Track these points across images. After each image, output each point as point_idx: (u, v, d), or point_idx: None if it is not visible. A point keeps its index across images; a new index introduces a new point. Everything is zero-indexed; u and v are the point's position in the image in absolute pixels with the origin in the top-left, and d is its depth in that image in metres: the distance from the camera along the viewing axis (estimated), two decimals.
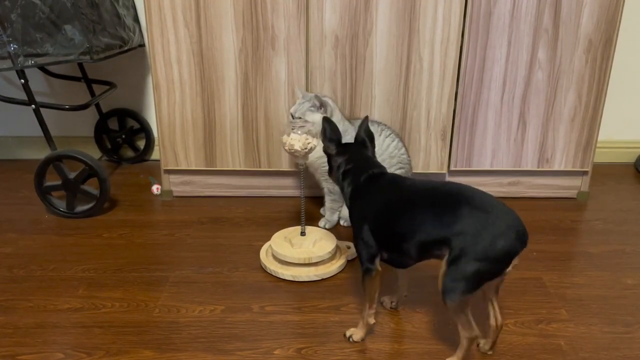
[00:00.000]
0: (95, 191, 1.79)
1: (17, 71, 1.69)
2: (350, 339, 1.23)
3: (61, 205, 1.82)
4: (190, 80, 1.78)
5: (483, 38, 1.73)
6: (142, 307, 1.35)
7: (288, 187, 1.95)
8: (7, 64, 1.65)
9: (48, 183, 1.80)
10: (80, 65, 2.13)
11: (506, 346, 1.21)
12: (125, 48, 1.94)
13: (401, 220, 1.12)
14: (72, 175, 1.77)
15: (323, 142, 1.30)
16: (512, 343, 1.22)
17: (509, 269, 1.04)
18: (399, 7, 1.69)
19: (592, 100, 1.81)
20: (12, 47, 1.62)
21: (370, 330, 1.24)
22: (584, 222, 1.81)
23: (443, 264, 1.05)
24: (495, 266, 1.03)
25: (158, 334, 1.25)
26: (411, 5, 1.68)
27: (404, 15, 1.70)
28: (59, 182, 1.79)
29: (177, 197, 1.96)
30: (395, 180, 1.23)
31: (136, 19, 2.08)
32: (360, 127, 1.30)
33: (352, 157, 1.27)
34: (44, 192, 1.81)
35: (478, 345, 1.19)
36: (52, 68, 2.15)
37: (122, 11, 1.96)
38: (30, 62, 1.65)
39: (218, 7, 1.69)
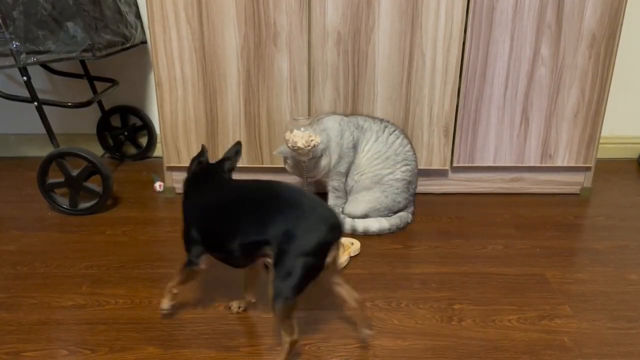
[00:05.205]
0: (98, 188, 1.79)
1: (19, 68, 1.68)
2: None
3: (64, 202, 1.82)
4: (193, 77, 1.78)
5: (486, 34, 1.73)
6: (146, 304, 1.35)
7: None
8: (10, 61, 1.65)
9: (51, 180, 1.80)
10: (83, 63, 2.13)
11: (509, 342, 1.21)
12: (127, 45, 1.94)
13: (221, 222, 1.15)
14: (74, 172, 1.78)
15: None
16: (515, 339, 1.22)
17: (329, 260, 1.06)
18: (401, 3, 1.68)
19: (595, 96, 1.80)
20: (15, 44, 1.62)
21: (173, 299, 1.27)
22: (587, 218, 1.80)
23: (272, 270, 1.07)
24: (315, 259, 1.04)
25: (162, 331, 1.25)
26: (413, 1, 1.68)
27: (406, 11, 1.69)
28: (61, 180, 1.79)
29: (179, 194, 1.95)
30: (218, 180, 1.26)
31: (138, 16, 2.08)
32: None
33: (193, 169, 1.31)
34: (46, 190, 1.81)
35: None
36: (54, 65, 2.15)
37: (124, 8, 1.96)
38: (32, 59, 1.65)
39: (220, 4, 1.69)
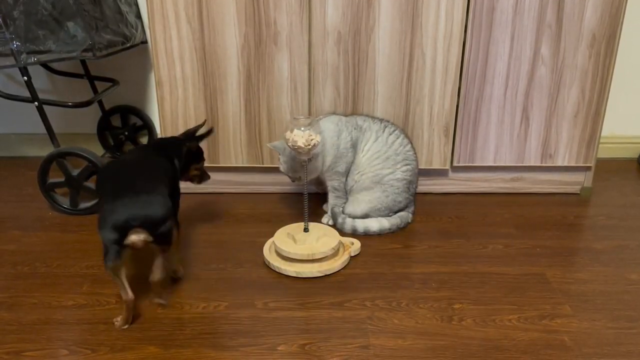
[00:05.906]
0: None
1: (20, 68, 1.69)
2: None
3: (65, 202, 1.82)
4: (193, 76, 1.78)
5: (486, 33, 1.73)
6: (146, 304, 1.35)
7: (291, 184, 1.95)
8: (10, 61, 1.65)
9: (51, 180, 1.80)
10: (83, 62, 2.13)
11: (510, 342, 1.21)
12: (128, 45, 1.94)
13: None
14: (75, 172, 1.78)
15: None
16: (515, 339, 1.22)
17: (131, 241, 1.18)
18: (401, 3, 1.68)
19: (596, 96, 1.80)
20: (15, 44, 1.62)
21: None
22: (587, 218, 1.81)
23: None
24: (112, 234, 1.17)
25: (162, 330, 1.25)
26: (414, 1, 1.68)
27: (406, 10, 1.69)
28: (62, 179, 1.79)
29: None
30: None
31: (138, 16, 2.08)
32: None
33: None
34: (47, 189, 1.81)
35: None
36: (54, 65, 2.15)
37: (124, 8, 1.96)
38: (32, 59, 1.65)
39: (220, 4, 1.69)
